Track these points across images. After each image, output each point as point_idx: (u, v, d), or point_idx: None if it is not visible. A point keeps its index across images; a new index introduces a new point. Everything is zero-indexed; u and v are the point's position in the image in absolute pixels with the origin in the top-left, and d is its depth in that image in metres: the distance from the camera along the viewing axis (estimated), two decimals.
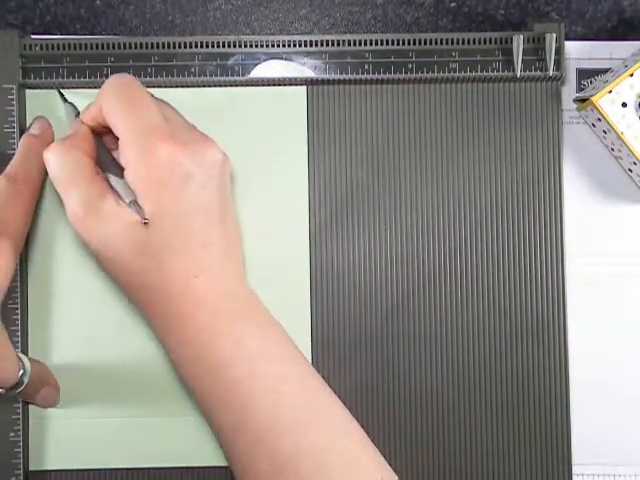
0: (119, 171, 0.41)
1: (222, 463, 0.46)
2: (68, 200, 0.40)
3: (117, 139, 0.41)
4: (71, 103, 0.45)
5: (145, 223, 0.39)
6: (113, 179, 0.40)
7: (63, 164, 0.40)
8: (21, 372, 0.42)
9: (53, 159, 0.41)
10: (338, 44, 0.46)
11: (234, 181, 0.47)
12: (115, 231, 0.39)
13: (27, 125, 0.46)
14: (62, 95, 0.46)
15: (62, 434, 0.46)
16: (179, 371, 0.42)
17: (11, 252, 0.41)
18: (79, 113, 0.44)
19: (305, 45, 0.46)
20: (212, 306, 0.40)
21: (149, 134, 0.39)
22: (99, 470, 0.46)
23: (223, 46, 0.46)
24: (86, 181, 0.40)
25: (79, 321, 0.46)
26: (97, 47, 0.46)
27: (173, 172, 0.39)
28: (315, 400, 0.41)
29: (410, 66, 0.46)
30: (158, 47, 0.46)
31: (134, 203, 0.39)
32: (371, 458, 0.41)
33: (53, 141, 0.46)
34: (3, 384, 0.42)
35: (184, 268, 0.40)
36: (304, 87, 0.47)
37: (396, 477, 0.42)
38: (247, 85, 0.47)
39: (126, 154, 0.40)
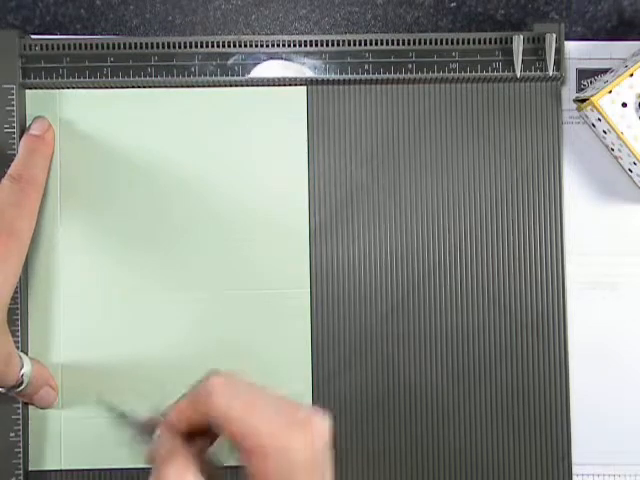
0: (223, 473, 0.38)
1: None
2: None
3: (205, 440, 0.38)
4: (125, 412, 0.41)
5: None
6: None
7: None
8: (22, 372, 0.42)
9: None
10: (338, 44, 0.46)
11: (234, 181, 0.47)
12: None
13: (27, 125, 0.46)
14: (111, 407, 0.42)
15: (62, 434, 0.46)
16: None
17: (19, 252, 0.42)
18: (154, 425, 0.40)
19: (305, 45, 0.46)
20: None
21: (271, 434, 0.37)
22: (99, 470, 0.46)
23: (223, 46, 0.46)
24: None
25: (79, 321, 0.46)
26: (97, 47, 0.46)
27: (302, 466, 0.37)
28: None
29: (410, 66, 0.46)
30: (158, 47, 0.46)
31: None
32: None
33: (54, 140, 0.46)
34: (4, 383, 0.42)
35: None
36: (304, 87, 0.47)
37: None
38: (247, 85, 0.47)
39: (249, 457, 0.36)
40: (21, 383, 0.43)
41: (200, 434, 0.38)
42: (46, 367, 0.45)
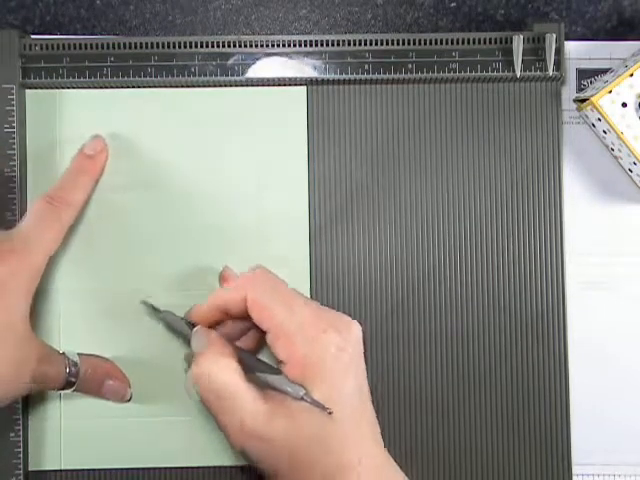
0: (265, 367, 0.40)
1: (222, 463, 0.46)
2: (231, 418, 0.39)
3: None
4: (167, 311, 0.44)
5: (330, 413, 0.38)
6: (271, 378, 0.39)
7: (217, 382, 0.39)
8: (69, 370, 0.42)
9: (205, 378, 0.39)
10: (338, 44, 0.46)
11: (234, 181, 0.47)
12: (294, 430, 0.38)
13: (26, 125, 0.46)
14: (154, 308, 0.45)
15: (62, 434, 0.46)
16: None
17: (32, 270, 0.41)
18: (188, 321, 0.43)
19: (305, 45, 0.46)
20: None
21: (310, 327, 0.39)
22: (99, 470, 0.46)
23: (223, 46, 0.46)
24: (245, 392, 0.39)
25: (79, 322, 0.46)
26: (97, 47, 0.46)
27: (339, 359, 0.39)
28: None
29: (410, 66, 0.46)
30: (158, 47, 0.46)
31: (308, 396, 0.38)
32: None
33: (105, 161, 0.46)
34: (50, 384, 0.42)
35: (353, 452, 0.39)
36: (304, 87, 0.47)
37: None
38: (247, 85, 0.47)
39: (288, 348, 0.39)
40: (72, 383, 0.43)
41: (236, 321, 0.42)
42: (106, 360, 0.45)
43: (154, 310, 0.45)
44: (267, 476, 0.40)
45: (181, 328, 0.43)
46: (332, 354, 0.39)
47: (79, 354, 0.44)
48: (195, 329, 0.42)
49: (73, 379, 0.43)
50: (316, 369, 0.39)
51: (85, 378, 0.43)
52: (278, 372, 0.40)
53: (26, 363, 0.40)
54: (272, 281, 0.42)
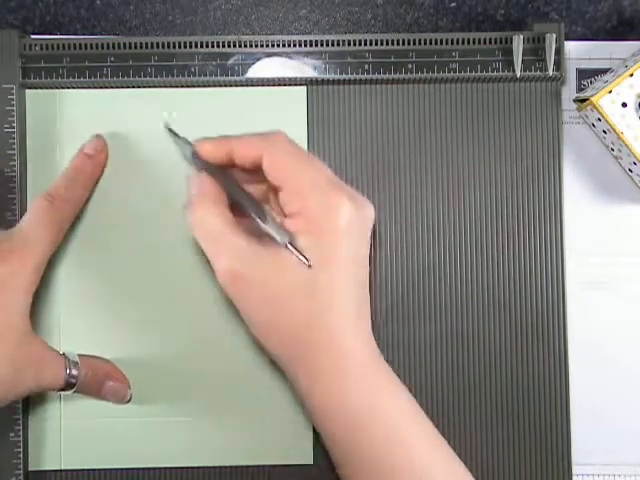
0: (258, 211, 0.40)
1: (222, 463, 0.46)
2: (220, 261, 0.39)
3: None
4: (184, 139, 0.43)
5: (309, 266, 0.38)
6: (260, 222, 0.39)
7: (207, 228, 0.40)
8: (69, 371, 0.42)
9: (198, 225, 0.40)
10: (338, 44, 0.46)
11: None
12: (281, 277, 0.38)
13: (26, 125, 0.46)
14: (174, 132, 0.44)
15: (62, 434, 0.46)
16: (317, 423, 0.40)
17: (32, 269, 0.41)
18: (195, 152, 0.42)
19: (305, 45, 0.46)
20: (361, 363, 0.39)
21: (326, 190, 0.39)
22: (99, 470, 0.46)
23: (223, 46, 0.46)
24: (232, 235, 0.39)
25: (79, 322, 0.46)
26: (97, 47, 0.46)
27: (347, 227, 0.39)
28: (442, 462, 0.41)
29: (410, 66, 0.46)
30: (158, 47, 0.46)
31: (293, 244, 0.38)
32: None
33: (106, 160, 0.46)
34: (50, 385, 0.42)
35: (342, 319, 0.39)
36: (304, 87, 0.47)
37: None
38: (247, 85, 0.47)
39: (299, 203, 0.39)
40: (71, 384, 0.43)
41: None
42: (106, 361, 0.45)
43: (174, 135, 0.44)
44: (252, 326, 0.40)
45: (190, 158, 0.42)
46: (342, 219, 0.39)
47: (79, 355, 0.44)
48: (188, 177, 0.42)
49: (73, 380, 0.43)
50: (322, 227, 0.39)
51: (85, 379, 0.43)
52: (271, 218, 0.40)
53: (26, 363, 0.40)
54: (291, 143, 0.41)
